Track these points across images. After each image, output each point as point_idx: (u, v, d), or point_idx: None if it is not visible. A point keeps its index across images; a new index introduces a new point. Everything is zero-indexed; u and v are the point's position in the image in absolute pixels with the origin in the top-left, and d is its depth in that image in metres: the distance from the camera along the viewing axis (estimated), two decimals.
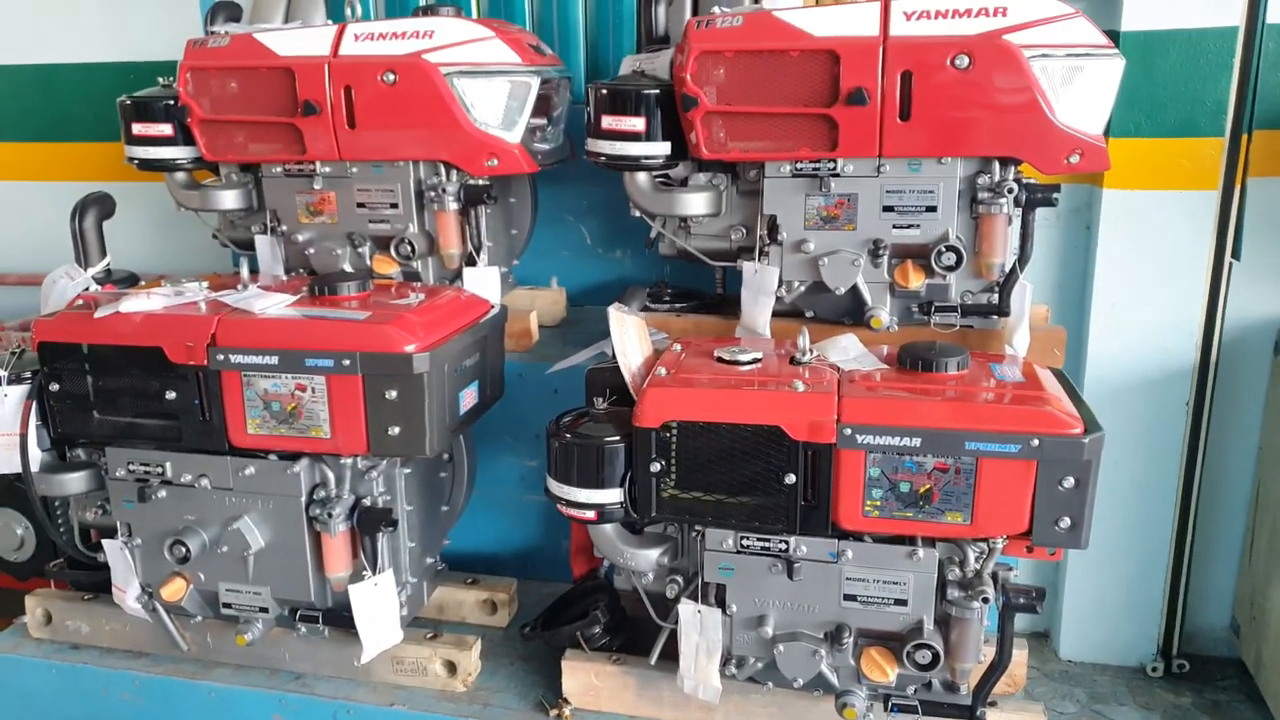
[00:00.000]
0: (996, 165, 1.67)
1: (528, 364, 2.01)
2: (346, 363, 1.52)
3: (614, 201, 2.33)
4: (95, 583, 1.92)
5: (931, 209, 1.70)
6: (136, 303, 1.62)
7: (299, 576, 1.66)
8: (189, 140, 2.02)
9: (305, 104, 1.87)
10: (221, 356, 1.56)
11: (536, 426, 2.01)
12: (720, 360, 1.55)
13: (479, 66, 1.85)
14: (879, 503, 1.40)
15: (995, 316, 1.76)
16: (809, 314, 1.83)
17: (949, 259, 1.68)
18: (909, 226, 1.72)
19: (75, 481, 1.78)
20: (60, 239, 3.10)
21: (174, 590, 1.69)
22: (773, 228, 1.76)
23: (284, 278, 2.01)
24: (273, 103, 1.92)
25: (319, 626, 1.71)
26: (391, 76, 1.83)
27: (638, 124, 1.76)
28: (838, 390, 1.41)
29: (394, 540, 1.68)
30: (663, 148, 1.78)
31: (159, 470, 1.67)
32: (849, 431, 1.37)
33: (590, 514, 1.50)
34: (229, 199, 2.08)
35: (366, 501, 1.63)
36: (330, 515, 1.58)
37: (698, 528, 1.49)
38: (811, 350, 1.53)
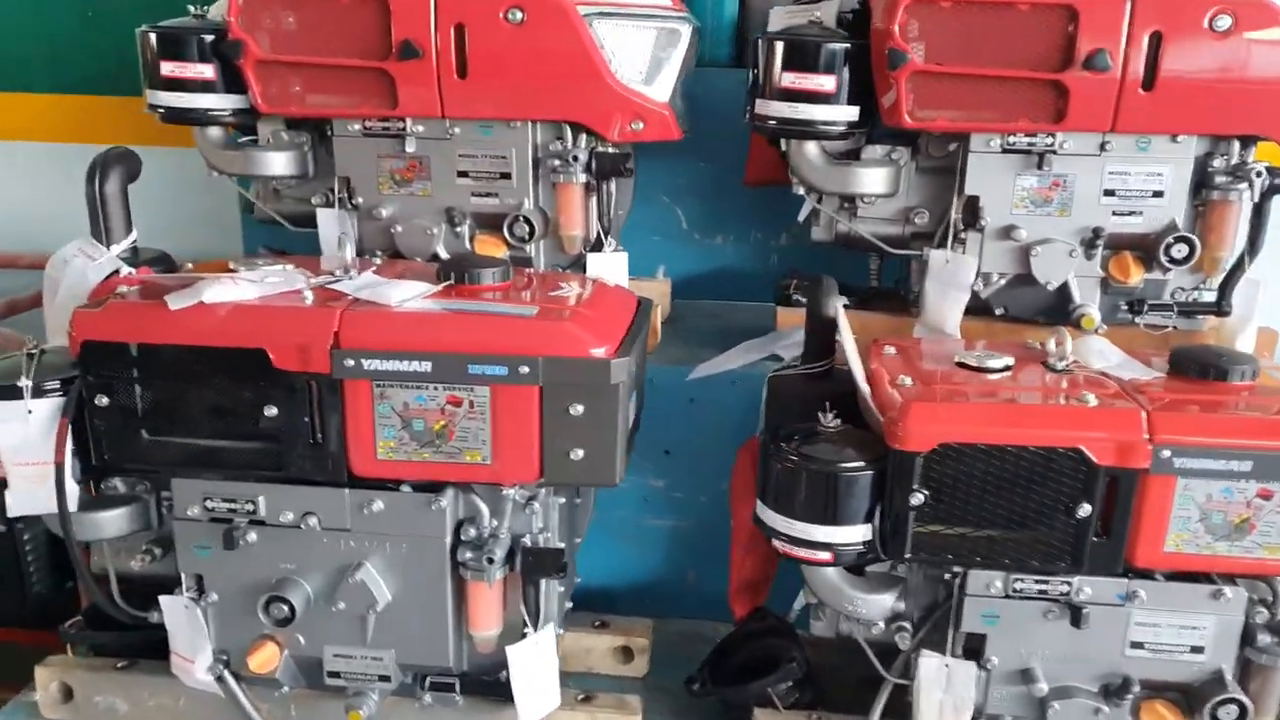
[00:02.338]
0: (1236, 145, 1.48)
1: (653, 367, 1.72)
2: (524, 370, 1.20)
3: (718, 179, 2.06)
4: (127, 645, 1.53)
5: (1158, 194, 1.49)
6: (223, 291, 1.25)
7: (437, 636, 1.32)
8: (233, 87, 1.63)
9: (403, 45, 1.51)
10: (350, 362, 1.21)
11: (665, 440, 1.73)
12: (963, 367, 1.31)
13: (622, 8, 1.54)
14: (1186, 536, 1.18)
15: (1206, 316, 1.58)
16: (999, 311, 1.61)
17: (1180, 251, 1.48)
18: (1130, 214, 1.51)
19: (114, 522, 1.38)
20: (24, 209, 2.64)
21: (265, 659, 1.33)
22: (973, 211, 1.53)
23: (353, 261, 1.64)
24: (356, 42, 1.54)
25: (454, 695, 1.38)
26: (519, 15, 1.49)
27: (826, 83, 1.48)
28: (1140, 405, 1.19)
29: (548, 586, 1.37)
30: (849, 113, 1.51)
31: (248, 507, 1.30)
32: (1166, 454, 1.14)
33: (825, 555, 1.23)
34: (280, 163, 1.69)
35: (526, 540, 1.32)
36: (490, 560, 1.26)
37: (955, 569, 1.25)
38: (1069, 355, 1.31)
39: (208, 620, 1.35)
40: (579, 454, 1.23)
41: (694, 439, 1.71)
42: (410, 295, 1.25)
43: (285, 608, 1.29)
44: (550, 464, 1.24)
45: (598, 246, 1.65)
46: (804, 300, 1.73)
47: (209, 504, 1.30)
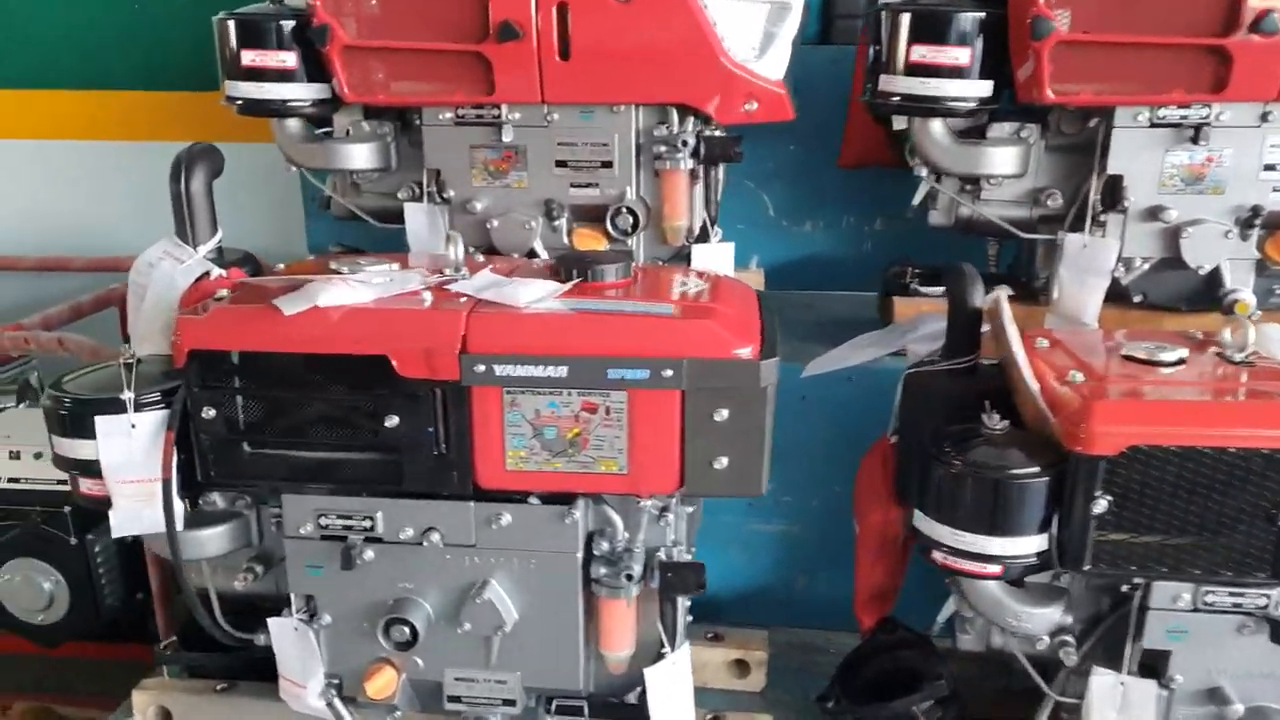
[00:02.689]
0: None
1: None
2: (667, 373, 1.10)
3: (807, 163, 1.96)
4: (224, 667, 1.46)
5: None
6: (338, 294, 1.16)
7: (566, 657, 1.23)
8: (313, 75, 1.54)
9: (502, 26, 1.41)
10: (480, 368, 1.12)
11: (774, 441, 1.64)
12: (1131, 360, 1.21)
13: None
14: None
15: None
16: (1136, 299, 1.51)
17: None
18: None
19: (215, 540, 1.30)
20: (70, 211, 2.56)
21: (383, 685, 1.24)
22: (1115, 191, 1.42)
23: (463, 259, 1.53)
24: (450, 24, 1.44)
25: (581, 719, 1.30)
26: None
27: (960, 56, 1.38)
28: None
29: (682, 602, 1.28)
30: (982, 88, 1.41)
31: (365, 524, 1.21)
32: None
33: (994, 568, 1.14)
34: (362, 155, 1.60)
35: (661, 554, 1.23)
36: (629, 576, 1.18)
37: (1137, 581, 1.16)
38: (1249, 345, 1.21)
39: (319, 643, 1.27)
40: (723, 462, 1.13)
41: (805, 440, 1.61)
42: (539, 295, 1.16)
43: (407, 630, 1.21)
44: (692, 473, 1.14)
45: (703, 237, 1.56)
46: (924, 290, 1.65)
47: (323, 521, 1.22)
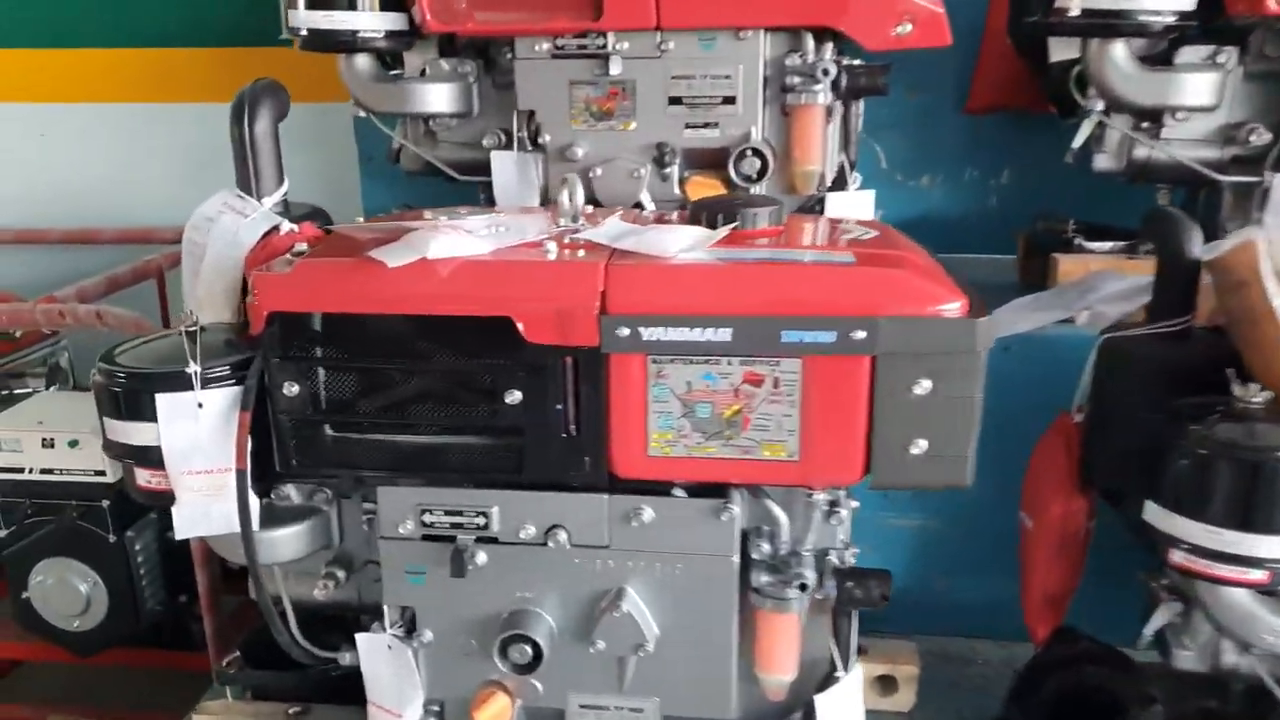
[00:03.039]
0: None
1: None
2: (859, 335, 0.90)
3: (926, 110, 1.75)
4: (294, 688, 1.26)
5: None
6: (450, 244, 0.96)
7: (716, 680, 1.03)
8: (390, 2, 1.34)
9: None
10: (624, 331, 0.92)
11: None
12: None
13: None
14: None
15: None
16: None
17: None
18: None
19: (291, 541, 1.11)
20: (97, 178, 2.37)
21: (496, 713, 1.04)
22: None
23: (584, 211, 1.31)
24: None
25: None
26: None
27: None
28: None
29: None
30: (1185, 2, 1.20)
31: (478, 521, 1.02)
32: None
33: (1258, 574, 0.94)
34: (443, 97, 1.39)
35: (833, 558, 1.03)
36: (802, 585, 0.98)
37: None
38: None
39: (418, 663, 1.08)
40: (920, 446, 0.93)
41: None
42: (690, 243, 0.96)
43: (529, 650, 1.01)
44: (881, 460, 0.94)
45: (838, 184, 1.35)
46: (1091, 246, 1.44)
47: (427, 518, 1.02)
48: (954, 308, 0.91)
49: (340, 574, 1.14)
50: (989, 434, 1.31)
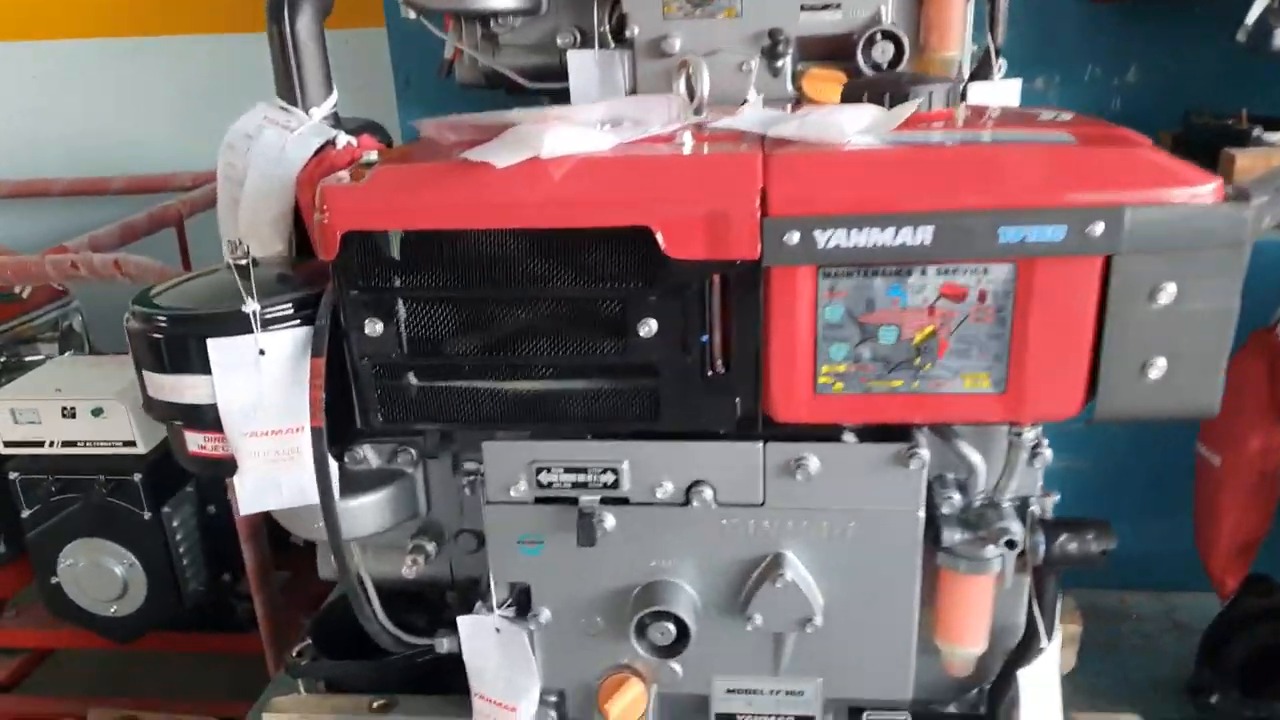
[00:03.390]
0: None
1: None
2: (1096, 229, 0.71)
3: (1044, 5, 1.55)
4: (374, 680, 1.10)
5: None
6: (567, 139, 0.77)
7: (893, 657, 0.87)
8: None
9: None
10: (793, 236, 0.73)
11: None
12: None
13: None
14: None
15: None
16: None
17: None
18: None
19: (374, 511, 0.95)
20: (95, 122, 2.15)
21: (630, 703, 0.88)
22: None
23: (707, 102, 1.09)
24: None
25: None
26: None
27: None
28: None
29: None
30: None
31: (606, 479, 0.85)
32: None
33: None
34: None
35: (1035, 509, 0.86)
36: (1009, 542, 0.80)
37: None
38: None
39: (534, 648, 0.92)
40: (1159, 367, 0.75)
41: None
42: (868, 124, 0.77)
43: (672, 628, 0.85)
44: (1111, 385, 0.76)
45: (980, 73, 1.16)
46: (1271, 138, 1.25)
47: (543, 477, 0.84)
48: (1208, 191, 0.73)
49: (430, 547, 0.98)
50: None
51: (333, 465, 0.85)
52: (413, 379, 0.83)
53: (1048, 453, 0.84)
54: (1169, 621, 1.28)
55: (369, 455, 0.96)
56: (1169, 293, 0.73)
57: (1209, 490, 1.09)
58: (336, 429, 0.87)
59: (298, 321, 0.84)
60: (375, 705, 1.07)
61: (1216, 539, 1.09)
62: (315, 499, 0.84)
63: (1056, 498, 0.86)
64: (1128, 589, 1.33)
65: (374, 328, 0.80)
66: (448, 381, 0.82)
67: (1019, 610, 0.89)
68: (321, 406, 0.82)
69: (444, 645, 0.95)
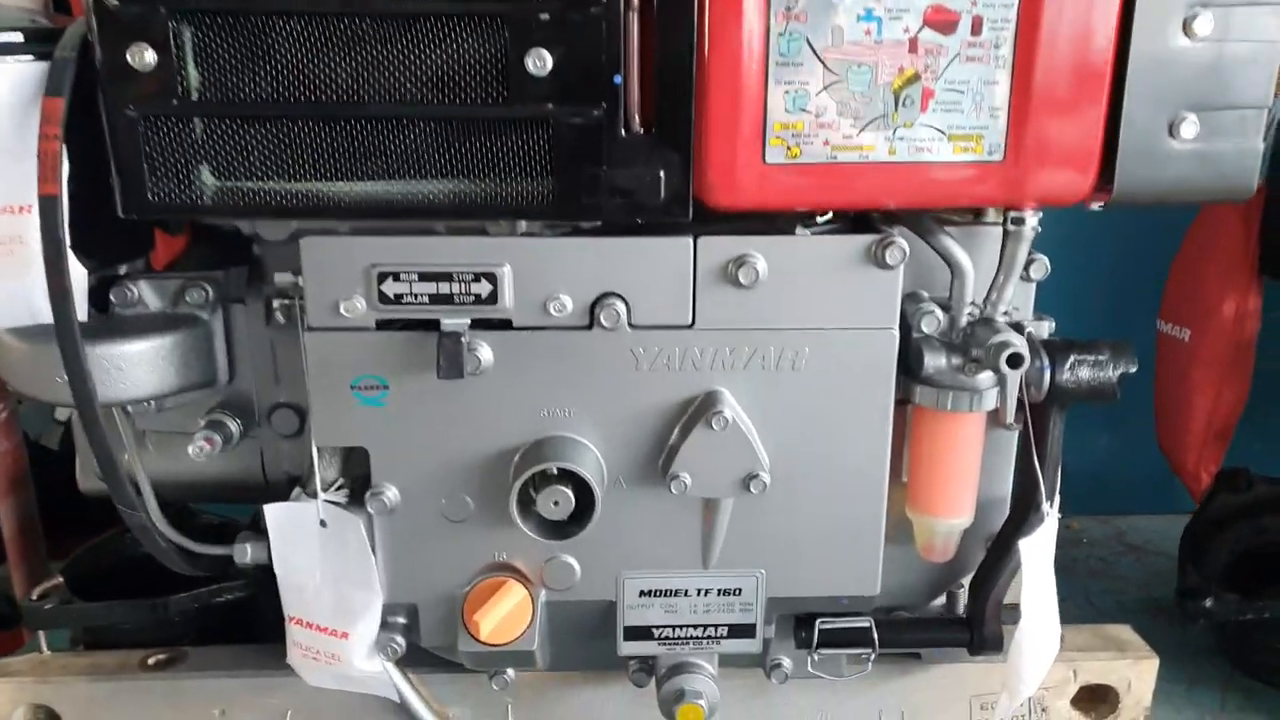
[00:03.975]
0: None
1: None
2: None
3: None
4: (151, 628, 0.81)
5: None
6: None
7: (859, 536, 0.65)
8: None
9: None
10: None
11: None
12: None
13: None
14: None
15: None
16: None
17: None
18: None
19: (145, 363, 0.67)
20: None
21: (511, 615, 0.65)
22: None
23: None
24: None
25: (865, 655, 0.74)
26: None
27: None
28: None
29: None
30: None
31: (476, 289, 0.61)
32: None
33: None
34: None
35: (1031, 330, 0.67)
36: (1014, 356, 0.60)
37: None
38: None
39: (374, 546, 0.67)
40: (1191, 124, 0.59)
41: None
42: None
43: (570, 495, 0.62)
44: (1132, 150, 0.58)
45: None
46: None
47: (388, 288, 0.61)
48: None
49: (232, 426, 0.72)
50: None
51: (79, 269, 0.59)
52: (198, 128, 0.58)
53: (1045, 261, 0.67)
54: (1121, 545, 1.15)
55: (145, 294, 0.69)
56: (1206, 23, 0.59)
57: (1178, 371, 0.96)
58: (90, 238, 0.61)
59: (30, 55, 0.58)
60: (152, 661, 0.78)
61: (1188, 425, 0.95)
62: (47, 316, 0.58)
63: (1052, 324, 0.70)
64: (1072, 515, 1.20)
65: (142, 57, 0.55)
66: (247, 135, 0.57)
67: (1004, 478, 0.72)
68: (59, 168, 0.56)
69: (246, 554, 0.68)
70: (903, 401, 0.68)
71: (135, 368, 0.67)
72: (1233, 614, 0.83)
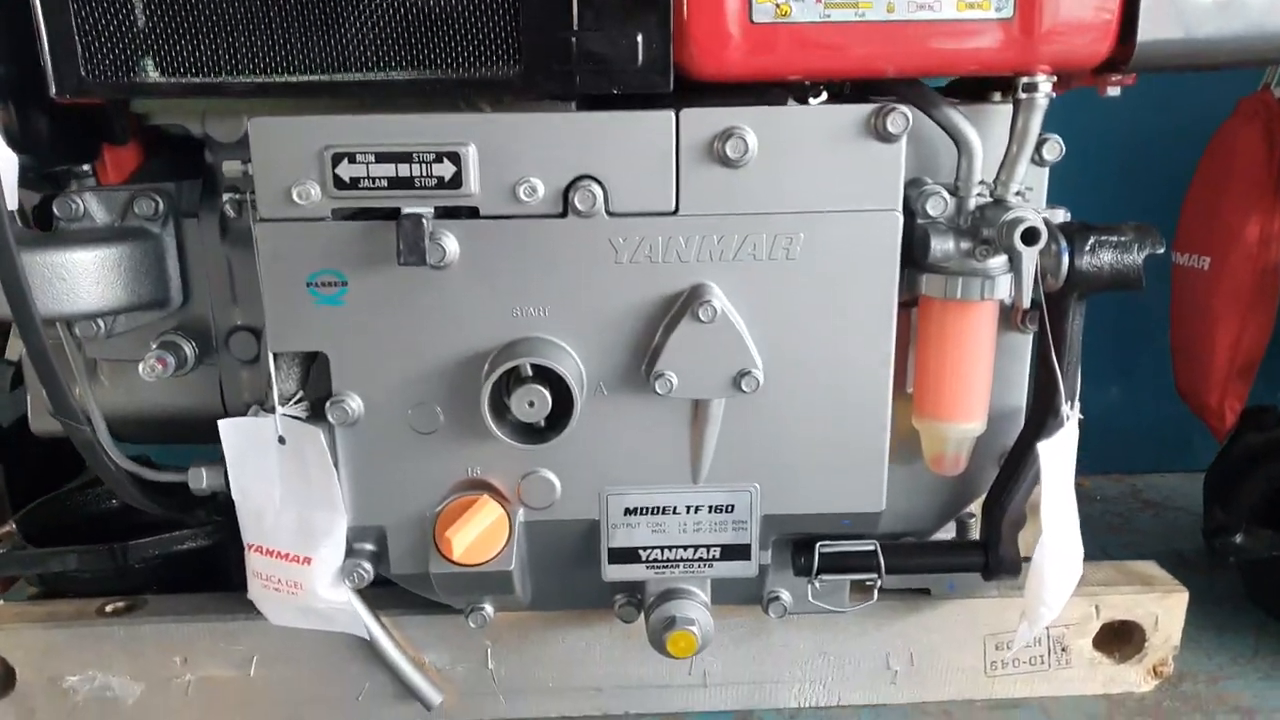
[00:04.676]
0: None
1: None
2: None
3: None
4: (109, 573, 0.76)
5: None
6: None
7: (864, 446, 0.61)
8: None
9: None
10: None
11: None
12: None
13: None
14: None
15: None
16: None
17: None
18: None
19: (90, 274, 0.63)
20: None
21: (486, 534, 0.60)
22: None
23: None
24: None
25: (870, 582, 0.68)
26: None
27: None
28: None
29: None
30: None
31: (442, 168, 0.56)
32: None
33: None
34: None
35: (1033, 216, 0.62)
36: (1029, 231, 0.54)
37: None
38: None
39: (336, 463, 0.62)
40: None
41: None
42: None
43: (548, 395, 0.57)
44: (1152, 9, 0.56)
45: None
46: None
47: (344, 171, 0.56)
48: None
49: (187, 349, 0.67)
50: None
51: (7, 154, 0.55)
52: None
53: (1058, 141, 0.62)
54: (1138, 501, 1.09)
55: (91, 206, 0.65)
56: None
57: (1198, 304, 0.90)
58: (23, 125, 0.57)
59: None
60: (110, 608, 0.73)
61: (1211, 361, 0.90)
62: None
63: (1067, 213, 0.65)
64: (1083, 474, 1.14)
65: None
66: (189, 18, 0.53)
67: (1018, 387, 0.66)
68: None
69: (203, 478, 0.63)
70: (906, 305, 0.63)
71: (79, 279, 0.62)
72: (1265, 549, 0.78)
